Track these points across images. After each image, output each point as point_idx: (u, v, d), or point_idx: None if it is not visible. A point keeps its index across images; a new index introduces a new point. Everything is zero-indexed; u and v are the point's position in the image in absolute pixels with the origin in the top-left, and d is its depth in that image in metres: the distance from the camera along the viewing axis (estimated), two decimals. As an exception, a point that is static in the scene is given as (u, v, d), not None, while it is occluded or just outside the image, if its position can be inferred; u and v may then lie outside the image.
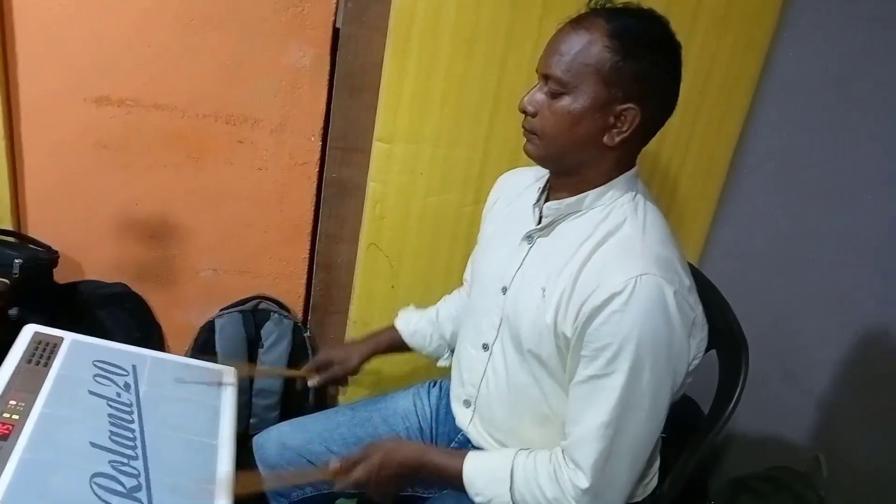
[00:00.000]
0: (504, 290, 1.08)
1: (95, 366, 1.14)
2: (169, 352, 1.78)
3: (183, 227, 1.71)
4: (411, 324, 1.36)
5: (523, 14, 1.53)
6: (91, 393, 1.08)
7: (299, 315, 1.83)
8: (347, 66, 1.62)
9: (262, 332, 1.74)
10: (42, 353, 1.12)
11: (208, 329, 1.73)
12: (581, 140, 0.97)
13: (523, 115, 1.03)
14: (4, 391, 1.00)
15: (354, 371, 1.32)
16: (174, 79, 1.58)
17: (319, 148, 1.69)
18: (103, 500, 0.90)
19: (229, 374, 1.26)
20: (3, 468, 0.89)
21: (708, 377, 1.11)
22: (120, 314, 1.70)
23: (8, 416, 0.97)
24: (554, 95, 0.97)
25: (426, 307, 1.46)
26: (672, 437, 1.05)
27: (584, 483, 0.94)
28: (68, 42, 1.52)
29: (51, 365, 1.10)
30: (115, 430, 1.03)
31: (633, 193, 1.02)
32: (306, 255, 1.79)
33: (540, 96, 0.99)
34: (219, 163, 1.66)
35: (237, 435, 1.14)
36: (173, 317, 1.79)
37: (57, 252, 1.62)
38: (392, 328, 1.37)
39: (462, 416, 1.17)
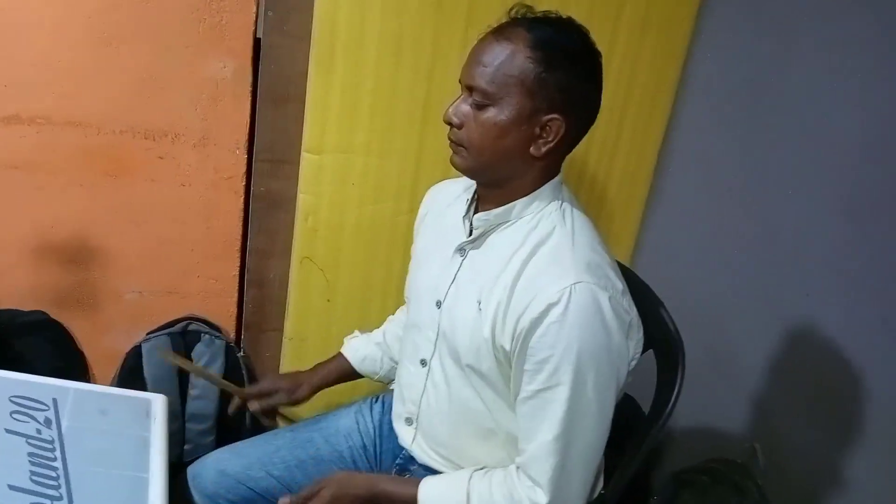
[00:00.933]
0: (438, 303, 1.07)
1: (12, 402, 1.07)
2: (94, 381, 1.70)
3: (104, 248, 1.63)
4: (360, 350, 1.33)
5: (448, 21, 1.52)
6: (7, 431, 1.01)
7: (232, 334, 1.78)
8: (271, 76, 1.58)
9: (193, 354, 1.68)
10: (-50, 393, 1.04)
11: (135, 354, 1.65)
12: (508, 151, 0.97)
13: (448, 127, 1.01)
14: None
15: (300, 402, 1.28)
16: (87, 95, 1.50)
17: (245, 161, 1.64)
18: (24, 548, 0.84)
19: (158, 401, 1.21)
20: None
21: (643, 374, 1.13)
22: (40, 344, 1.61)
23: (-86, 463, 0.90)
24: (479, 107, 0.96)
25: (365, 320, 1.44)
26: (613, 436, 1.05)
27: (542, 499, 0.93)
28: (-30, 59, 1.43)
29: (-39, 404, 1.03)
30: (35, 469, 0.96)
31: (560, 202, 1.02)
32: (236, 271, 1.73)
33: (465, 107, 0.98)
34: (139, 180, 1.59)
35: (171, 464, 1.08)
36: (98, 343, 1.70)
37: (-34, 281, 1.52)
38: (340, 356, 1.34)
39: (405, 435, 1.15)
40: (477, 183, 1.07)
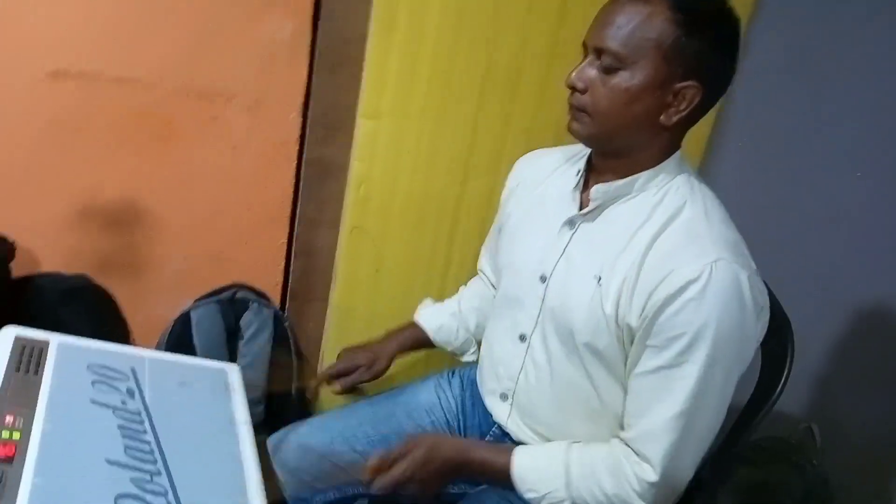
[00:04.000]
0: (543, 278, 1.03)
1: (92, 371, 1.03)
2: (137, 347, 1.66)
3: (150, 212, 1.57)
4: (434, 319, 1.30)
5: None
6: (94, 402, 0.97)
7: (277, 303, 1.74)
8: (329, 38, 1.52)
9: (242, 322, 1.64)
10: (29, 360, 0.99)
11: (183, 322, 1.61)
12: (636, 119, 0.93)
13: (570, 91, 0.97)
14: (-2, 407, 0.89)
15: (382, 374, 1.25)
16: (139, 51, 1.44)
17: (299, 126, 1.58)
18: (135, 525, 0.81)
19: (234, 372, 1.17)
20: (16, 497, 0.78)
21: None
22: (81, 310, 1.56)
23: (8, 435, 0.85)
24: (608, 71, 0.92)
25: (412, 291, 1.40)
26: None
27: (651, 477, 0.91)
28: (17, 10, 1.35)
29: (42, 373, 0.98)
30: (129, 443, 0.93)
31: (687, 175, 0.99)
32: (284, 239, 1.69)
33: (590, 71, 0.94)
34: (189, 142, 1.53)
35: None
36: (141, 310, 1.65)
37: (13, 243, 1.46)
38: (413, 325, 1.30)
39: (499, 411, 1.12)
40: (594, 152, 1.03)
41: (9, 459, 0.82)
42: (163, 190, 1.56)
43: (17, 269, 1.49)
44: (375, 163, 1.58)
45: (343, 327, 1.71)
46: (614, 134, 0.95)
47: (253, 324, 1.64)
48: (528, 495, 0.98)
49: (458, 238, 1.70)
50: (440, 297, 1.41)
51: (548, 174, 1.11)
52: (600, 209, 1.00)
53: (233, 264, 1.68)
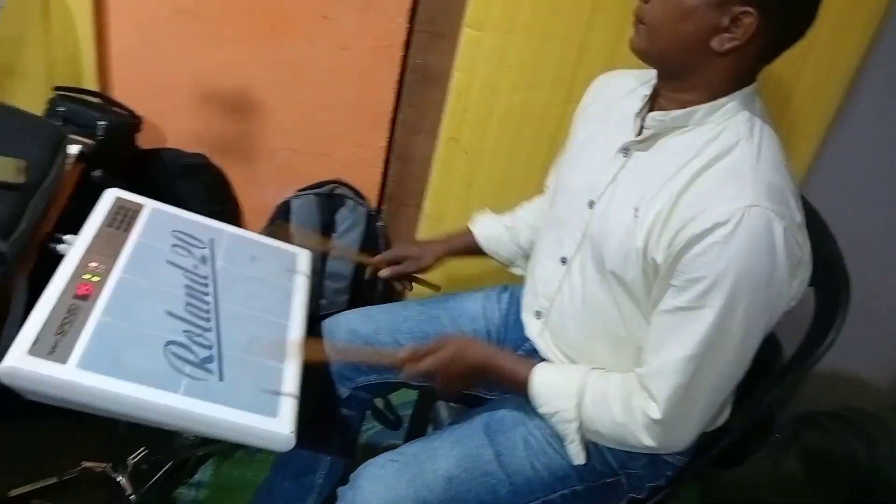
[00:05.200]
0: (591, 203, 1.02)
1: (174, 235, 1.15)
2: (245, 228, 1.81)
3: (262, 103, 1.68)
4: (487, 228, 1.32)
5: None
6: (169, 262, 1.09)
7: (374, 204, 1.82)
8: (441, -58, 1.52)
9: (337, 217, 1.74)
10: (123, 219, 1.13)
11: (284, 209, 1.74)
12: (686, 37, 0.88)
13: (637, 2, 0.93)
14: (86, 253, 1.02)
15: (426, 269, 1.30)
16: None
17: (405, 30, 1.60)
18: (176, 368, 0.93)
19: (303, 255, 1.26)
20: (83, 328, 0.91)
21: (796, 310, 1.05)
22: (198, 186, 1.71)
23: (88, 277, 0.99)
24: None
25: (502, 210, 1.42)
26: (750, 370, 1.00)
27: (655, 414, 0.91)
28: None
29: (131, 231, 1.11)
30: (190, 301, 1.04)
31: (749, 113, 0.92)
32: (384, 143, 1.75)
33: None
34: (301, 39, 1.61)
35: (307, 315, 1.15)
36: (250, 194, 1.80)
37: (140, 117, 1.62)
38: (467, 231, 1.33)
39: (532, 327, 1.15)
40: (657, 77, 0.98)
41: (85, 297, 0.96)
42: (274, 83, 1.65)
43: (143, 142, 1.66)
44: (476, 75, 1.58)
45: (432, 234, 1.77)
46: (664, 49, 0.91)
47: (347, 219, 1.74)
48: (540, 409, 1.00)
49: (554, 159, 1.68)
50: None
51: (620, 96, 1.07)
52: (655, 138, 0.96)
53: (335, 162, 1.76)
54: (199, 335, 0.99)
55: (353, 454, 1.30)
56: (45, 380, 0.83)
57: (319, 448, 1.23)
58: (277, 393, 0.97)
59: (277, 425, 0.93)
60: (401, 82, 1.67)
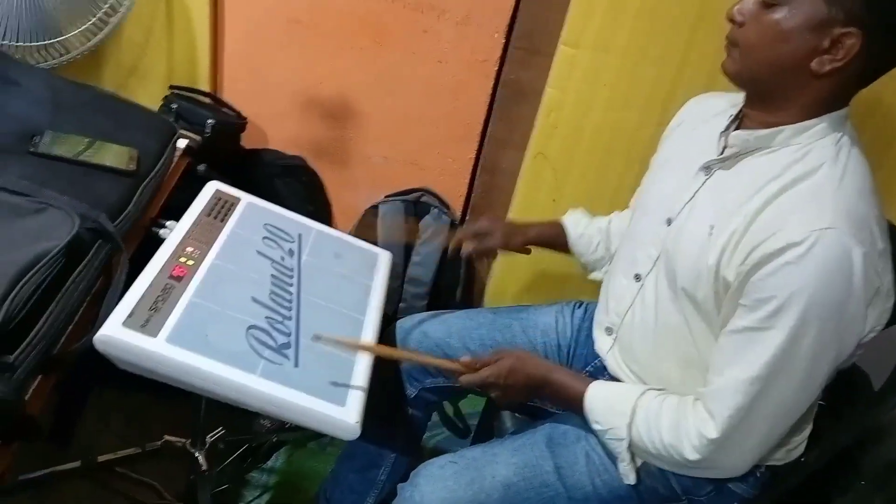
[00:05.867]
0: (669, 221, 1.01)
1: (266, 229, 1.22)
2: (336, 228, 1.88)
3: (360, 111, 1.75)
4: (580, 225, 1.30)
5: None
6: (258, 253, 1.16)
7: (458, 214, 1.85)
8: (542, -38, 1.54)
9: (421, 224, 1.78)
10: (220, 209, 1.20)
11: (372, 213, 1.80)
12: (784, 60, 0.86)
13: (730, 25, 0.92)
14: (184, 238, 1.09)
15: (513, 248, 1.28)
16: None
17: (502, 46, 1.64)
18: (255, 351, 0.98)
19: (384, 257, 1.30)
20: (174, 306, 0.98)
21: (884, 341, 0.99)
22: (295, 186, 1.80)
23: (184, 260, 1.06)
24: (767, 5, 0.86)
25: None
26: (832, 405, 0.96)
27: (712, 433, 0.89)
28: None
29: (227, 221, 1.18)
30: (275, 290, 1.10)
31: (839, 135, 0.89)
32: (473, 155, 1.78)
33: (751, 5, 0.88)
34: (401, 51, 1.67)
35: (384, 316, 1.18)
36: (342, 196, 1.87)
37: (246, 118, 1.72)
38: (558, 224, 1.31)
39: (602, 343, 1.14)
40: (746, 97, 0.97)
41: (179, 278, 1.03)
42: (372, 92, 1.72)
43: (247, 141, 1.76)
44: (569, 92, 1.58)
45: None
46: (759, 71, 0.89)
47: (430, 227, 1.78)
48: (593, 426, 0.99)
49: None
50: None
51: (709, 117, 1.06)
52: (738, 157, 0.94)
53: (424, 170, 1.81)
54: (280, 322, 1.05)
55: (418, 454, 1.32)
56: (136, 350, 0.90)
57: (385, 444, 1.26)
58: (347, 385, 1.01)
59: (345, 414, 0.96)
60: (493, 96, 1.70)
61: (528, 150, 1.68)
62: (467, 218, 1.85)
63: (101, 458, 1.42)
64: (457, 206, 1.85)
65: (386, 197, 1.80)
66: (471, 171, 1.80)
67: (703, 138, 1.03)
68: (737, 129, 0.97)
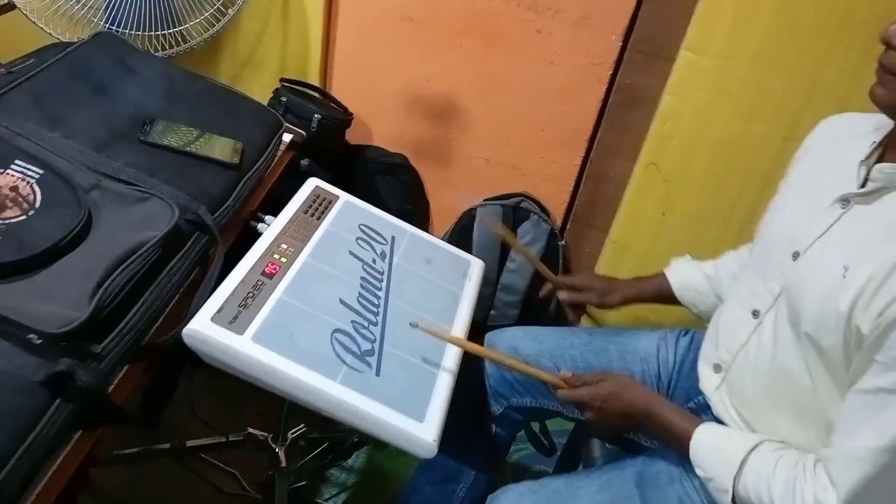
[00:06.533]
0: (795, 255, 0.90)
1: (360, 228, 1.20)
2: (432, 229, 1.86)
3: (466, 112, 1.71)
4: (685, 276, 1.22)
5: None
6: (351, 254, 1.14)
7: (558, 222, 1.78)
8: (669, -39, 1.45)
9: (519, 230, 1.73)
10: (318, 207, 1.19)
11: (470, 215, 1.76)
12: None
13: (883, 48, 0.81)
14: (280, 234, 1.09)
15: (609, 307, 1.24)
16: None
17: (619, 49, 1.55)
18: (339, 356, 0.96)
19: (476, 265, 1.26)
20: (263, 304, 0.97)
21: None
22: (395, 184, 1.79)
23: (278, 257, 1.05)
24: None
25: (696, 246, 1.31)
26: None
27: (831, 502, 0.79)
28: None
29: (323, 219, 1.17)
30: (363, 293, 1.08)
31: None
32: (578, 161, 1.71)
33: None
34: (512, 51, 1.61)
35: (475, 323, 1.14)
36: (440, 197, 1.84)
37: (352, 114, 1.72)
38: (661, 276, 1.24)
39: (708, 381, 1.04)
40: (895, 126, 0.85)
41: (271, 275, 1.02)
42: (479, 93, 1.68)
43: (351, 137, 1.76)
44: (688, 100, 1.49)
45: (616, 262, 1.69)
46: None
47: (528, 233, 1.72)
48: (697, 470, 0.91)
49: (767, 199, 1.54)
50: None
51: (846, 139, 0.94)
52: (881, 192, 0.83)
53: (526, 175, 1.76)
54: (365, 327, 1.02)
55: (499, 473, 1.27)
56: (221, 347, 0.89)
57: (465, 460, 1.22)
58: (428, 399, 0.97)
59: (422, 430, 0.92)
60: (605, 101, 1.62)
61: (639, 160, 1.59)
62: (567, 226, 1.78)
63: (189, 444, 1.46)
64: (557, 214, 1.78)
65: (485, 200, 1.76)
66: (575, 179, 1.73)
67: (838, 164, 0.91)
68: (879, 158, 0.86)
